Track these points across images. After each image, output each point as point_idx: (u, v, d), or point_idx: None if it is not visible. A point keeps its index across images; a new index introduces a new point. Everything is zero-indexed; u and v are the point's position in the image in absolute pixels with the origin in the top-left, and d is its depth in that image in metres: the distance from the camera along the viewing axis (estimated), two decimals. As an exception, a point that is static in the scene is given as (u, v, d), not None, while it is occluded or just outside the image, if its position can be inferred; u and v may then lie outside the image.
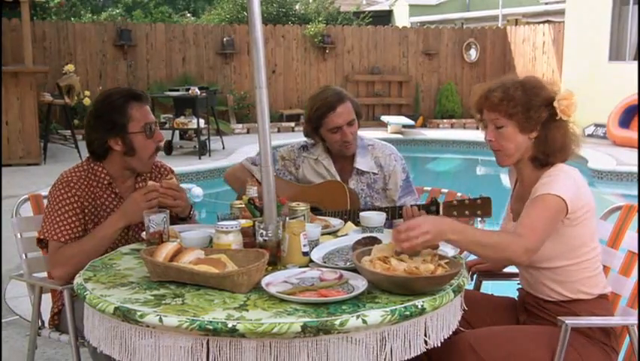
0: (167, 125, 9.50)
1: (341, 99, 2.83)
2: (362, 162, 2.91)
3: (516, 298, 2.43)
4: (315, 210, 2.72)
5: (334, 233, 2.47)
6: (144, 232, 2.26)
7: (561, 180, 2.10)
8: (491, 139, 2.21)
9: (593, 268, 2.20)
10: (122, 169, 2.53)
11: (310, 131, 2.94)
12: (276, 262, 2.05)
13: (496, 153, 2.24)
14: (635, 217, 2.45)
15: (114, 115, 2.44)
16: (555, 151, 2.17)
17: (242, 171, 2.97)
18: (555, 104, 2.13)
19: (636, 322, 2.12)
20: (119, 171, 2.52)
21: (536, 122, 2.16)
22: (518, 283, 2.41)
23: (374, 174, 2.91)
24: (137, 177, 2.59)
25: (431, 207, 2.55)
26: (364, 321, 1.63)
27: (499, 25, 16.48)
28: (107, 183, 2.51)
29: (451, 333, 1.87)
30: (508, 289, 2.58)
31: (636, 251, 2.35)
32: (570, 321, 2.01)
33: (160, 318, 1.64)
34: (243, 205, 2.37)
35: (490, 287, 2.73)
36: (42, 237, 2.44)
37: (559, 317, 2.04)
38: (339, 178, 2.90)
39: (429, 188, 3.21)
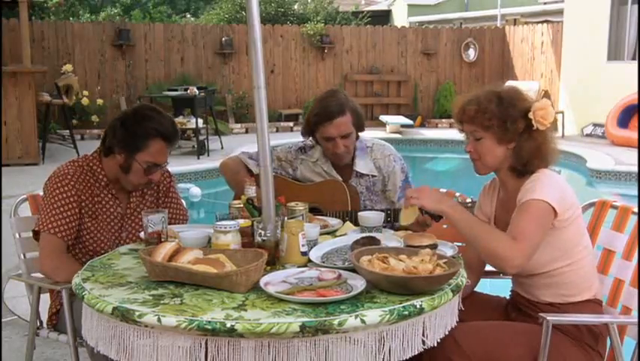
0: (165, 125, 9.48)
1: (341, 111, 2.75)
2: (361, 165, 2.88)
3: (507, 298, 2.44)
4: (315, 210, 2.72)
5: (333, 233, 2.47)
6: (142, 232, 2.27)
7: (545, 185, 2.11)
8: (470, 150, 2.27)
9: (587, 268, 2.22)
10: (116, 174, 2.54)
11: (307, 132, 2.91)
12: (274, 261, 2.05)
13: (475, 163, 2.29)
14: (609, 214, 2.44)
15: (137, 136, 2.45)
16: (532, 161, 2.19)
17: (238, 163, 2.97)
18: (530, 115, 2.15)
19: (615, 320, 2.13)
20: (114, 175, 2.53)
21: (514, 133, 2.18)
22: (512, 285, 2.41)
23: (373, 176, 2.89)
24: None
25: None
26: (363, 321, 1.63)
27: (498, 25, 16.46)
28: (104, 183, 2.52)
29: (448, 333, 1.87)
30: (503, 289, 2.57)
31: (612, 249, 2.36)
32: (552, 318, 2.01)
33: (158, 318, 1.64)
34: (242, 205, 2.37)
35: (488, 287, 2.71)
36: (37, 229, 2.44)
37: (540, 314, 2.04)
38: (340, 179, 2.89)
39: (427, 188, 3.20)
